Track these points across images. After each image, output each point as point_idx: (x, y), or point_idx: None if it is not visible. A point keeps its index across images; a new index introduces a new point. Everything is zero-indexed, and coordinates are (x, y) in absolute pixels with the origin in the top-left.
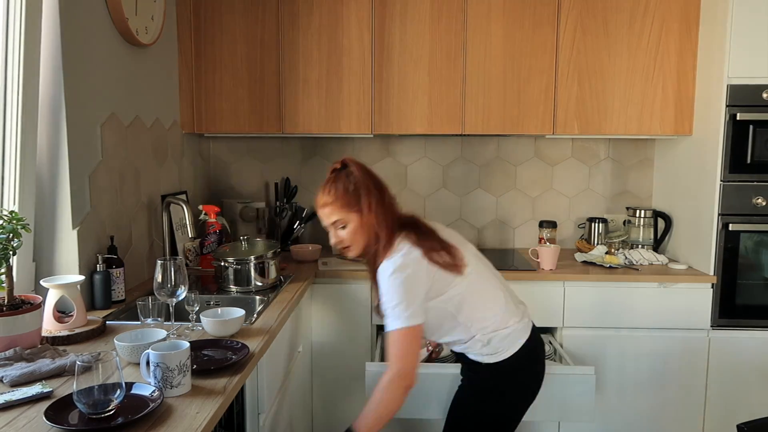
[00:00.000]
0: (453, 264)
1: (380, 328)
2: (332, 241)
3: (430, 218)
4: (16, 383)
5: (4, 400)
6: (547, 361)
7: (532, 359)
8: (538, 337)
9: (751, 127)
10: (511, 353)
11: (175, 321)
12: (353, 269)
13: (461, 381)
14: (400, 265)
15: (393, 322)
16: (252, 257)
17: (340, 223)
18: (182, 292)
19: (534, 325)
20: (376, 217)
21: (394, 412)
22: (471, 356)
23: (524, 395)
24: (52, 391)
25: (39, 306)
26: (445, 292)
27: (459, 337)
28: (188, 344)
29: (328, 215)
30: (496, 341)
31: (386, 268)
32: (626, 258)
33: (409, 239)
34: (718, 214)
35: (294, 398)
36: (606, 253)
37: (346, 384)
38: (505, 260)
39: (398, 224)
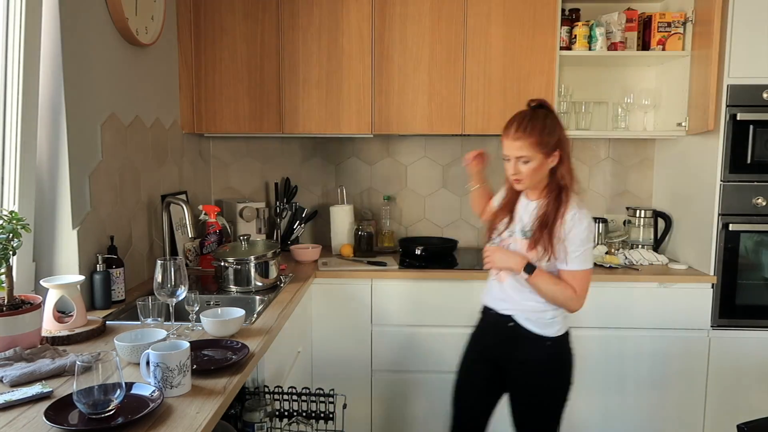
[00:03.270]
0: None
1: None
2: (509, 171)
3: (431, 218)
4: (16, 383)
5: (4, 400)
6: None
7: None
8: None
9: (751, 127)
10: (566, 330)
11: (175, 321)
12: (353, 269)
13: (520, 367)
14: (587, 214)
15: (582, 263)
16: (252, 257)
17: (524, 159)
18: (182, 292)
19: None
20: (567, 165)
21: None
22: (533, 327)
23: (573, 368)
24: (52, 391)
25: (39, 306)
26: None
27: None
28: (188, 344)
29: (518, 148)
30: (561, 317)
31: (581, 216)
32: (626, 258)
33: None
34: (718, 214)
35: None
36: (606, 253)
37: (347, 384)
38: None
39: None
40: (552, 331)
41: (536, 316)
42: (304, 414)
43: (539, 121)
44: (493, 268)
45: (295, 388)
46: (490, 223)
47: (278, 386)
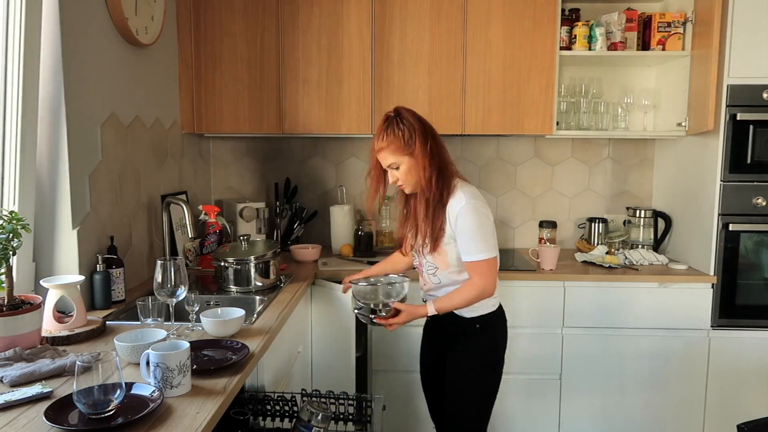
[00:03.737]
0: None
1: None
2: (391, 180)
3: None
4: (16, 383)
5: (4, 400)
6: None
7: (504, 320)
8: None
9: (751, 127)
10: (493, 309)
11: (175, 321)
12: (353, 269)
13: (452, 352)
14: (475, 204)
15: (477, 254)
16: (252, 257)
17: (394, 165)
18: (182, 292)
19: None
20: (429, 159)
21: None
22: (463, 312)
23: (505, 344)
24: (52, 391)
25: (39, 306)
26: None
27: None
28: (188, 344)
29: (384, 158)
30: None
31: (461, 205)
32: (626, 258)
33: (468, 184)
34: (718, 214)
35: None
36: (606, 253)
37: (347, 384)
38: (505, 260)
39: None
40: (482, 310)
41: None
42: (341, 417)
43: (393, 128)
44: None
45: (332, 392)
46: (400, 240)
47: (303, 389)
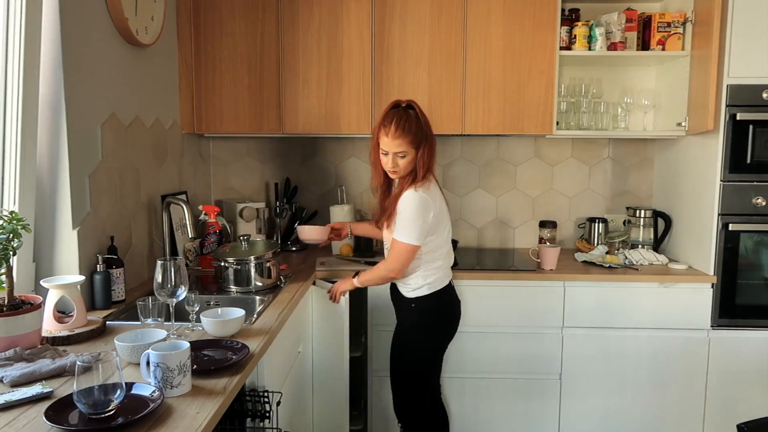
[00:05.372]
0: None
1: (377, 328)
2: (388, 165)
3: None
4: (17, 383)
5: (4, 400)
6: None
7: (445, 303)
8: (453, 289)
9: (751, 127)
10: (429, 292)
11: (175, 321)
12: (353, 269)
13: (396, 326)
14: (421, 196)
15: (404, 237)
16: (252, 257)
17: (401, 154)
18: (182, 293)
19: (452, 283)
20: (429, 158)
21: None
22: (403, 291)
23: (442, 331)
24: (52, 392)
25: (39, 306)
26: (432, 233)
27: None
28: (188, 344)
29: (397, 146)
30: (423, 278)
31: (412, 195)
32: (626, 258)
33: (433, 183)
34: (718, 214)
35: (294, 398)
36: (606, 253)
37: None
38: (505, 260)
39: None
40: (414, 293)
41: (404, 279)
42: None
43: (413, 122)
44: (339, 295)
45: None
46: (375, 213)
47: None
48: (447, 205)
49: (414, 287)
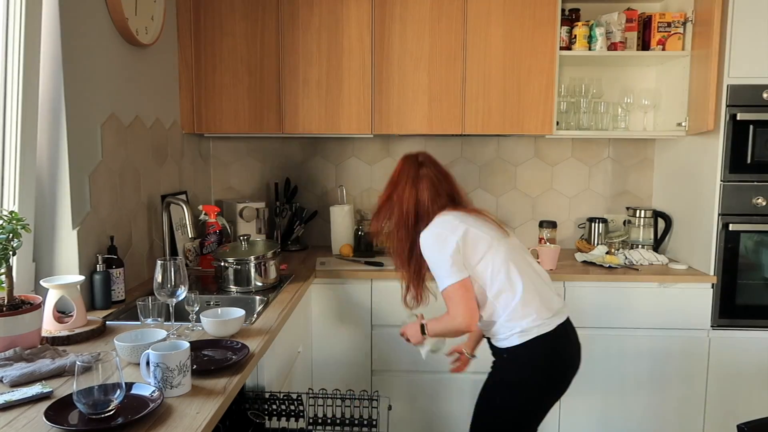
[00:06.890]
0: None
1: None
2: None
3: None
4: (16, 383)
5: (4, 400)
6: None
7: (547, 353)
8: (563, 335)
9: (751, 127)
10: (521, 341)
11: (175, 321)
12: (353, 269)
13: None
14: (434, 230)
15: (442, 281)
16: (252, 257)
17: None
18: (182, 292)
19: (565, 325)
20: (411, 202)
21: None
22: (494, 341)
23: (541, 388)
24: (52, 392)
25: (39, 306)
26: (472, 259)
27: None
28: (188, 344)
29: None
30: (510, 325)
31: (423, 237)
32: (626, 258)
33: (446, 213)
34: (718, 214)
35: None
36: (606, 253)
37: (347, 384)
38: None
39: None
40: (503, 342)
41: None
42: (347, 421)
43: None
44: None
45: (338, 390)
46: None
47: (310, 388)
48: (490, 222)
49: (502, 337)
